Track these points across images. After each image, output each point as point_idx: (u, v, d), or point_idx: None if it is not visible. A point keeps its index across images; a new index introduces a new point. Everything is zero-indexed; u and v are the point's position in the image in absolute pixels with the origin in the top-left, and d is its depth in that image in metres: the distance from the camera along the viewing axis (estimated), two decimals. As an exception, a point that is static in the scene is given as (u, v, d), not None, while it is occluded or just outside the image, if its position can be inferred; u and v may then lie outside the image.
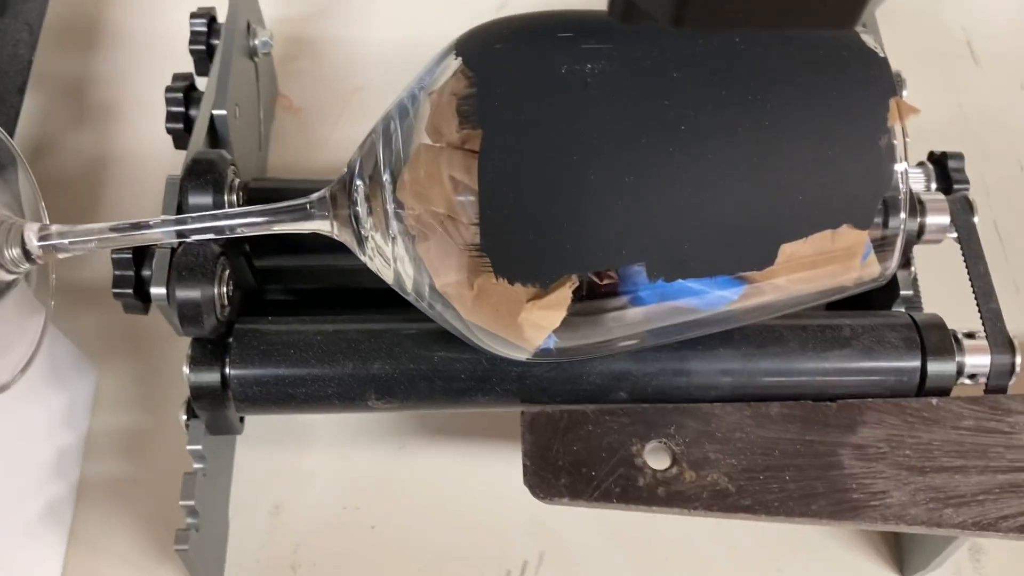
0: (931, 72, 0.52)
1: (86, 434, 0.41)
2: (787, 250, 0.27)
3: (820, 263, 0.28)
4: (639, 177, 0.26)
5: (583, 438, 0.34)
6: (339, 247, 0.32)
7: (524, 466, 0.33)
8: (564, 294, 0.28)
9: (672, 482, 0.33)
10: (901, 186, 0.27)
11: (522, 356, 0.31)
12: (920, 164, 0.40)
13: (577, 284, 0.28)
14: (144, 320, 0.42)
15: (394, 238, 0.30)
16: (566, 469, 0.33)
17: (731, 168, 0.26)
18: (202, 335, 0.33)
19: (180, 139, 0.39)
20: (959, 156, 0.41)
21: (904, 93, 0.42)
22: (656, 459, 0.34)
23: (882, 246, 0.30)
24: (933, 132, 0.50)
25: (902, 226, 0.28)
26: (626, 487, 0.33)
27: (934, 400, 0.35)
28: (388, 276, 0.31)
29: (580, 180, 0.26)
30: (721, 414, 0.34)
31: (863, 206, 0.27)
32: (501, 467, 0.41)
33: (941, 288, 0.40)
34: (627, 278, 0.28)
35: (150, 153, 0.46)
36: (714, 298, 0.29)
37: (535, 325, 0.28)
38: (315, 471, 0.40)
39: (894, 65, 0.42)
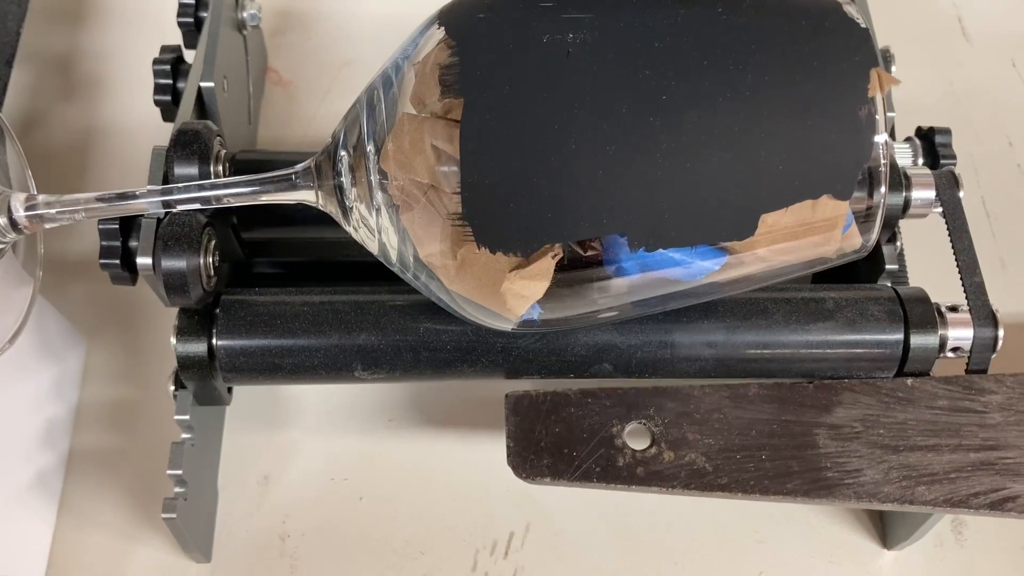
0: (921, 49, 0.52)
1: (75, 406, 0.41)
2: (768, 220, 0.27)
3: (801, 234, 0.28)
4: (620, 146, 0.26)
5: (565, 420, 0.34)
6: (326, 219, 0.32)
7: (508, 447, 0.34)
8: (546, 264, 0.28)
9: (651, 462, 0.34)
10: (882, 158, 0.27)
11: (506, 327, 0.31)
12: (907, 139, 0.40)
13: (559, 254, 0.28)
14: (132, 291, 0.43)
15: (378, 209, 0.30)
16: (548, 450, 0.34)
17: (711, 137, 0.26)
18: (188, 305, 0.33)
19: (168, 112, 0.40)
20: (946, 131, 0.41)
21: (893, 69, 0.42)
22: (636, 440, 0.34)
23: (864, 218, 0.30)
24: (923, 109, 0.50)
25: (882, 199, 0.28)
26: (606, 467, 0.34)
27: (909, 380, 0.36)
28: (373, 247, 0.31)
29: (561, 149, 0.26)
30: (700, 395, 0.35)
31: (843, 176, 0.27)
32: (488, 441, 0.41)
33: (927, 263, 0.40)
34: (609, 248, 0.29)
35: (138, 126, 0.46)
36: (696, 268, 0.29)
37: (518, 295, 0.28)
38: (304, 443, 0.41)
39: (884, 41, 0.43)
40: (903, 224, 0.39)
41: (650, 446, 0.34)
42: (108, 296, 0.43)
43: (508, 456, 0.34)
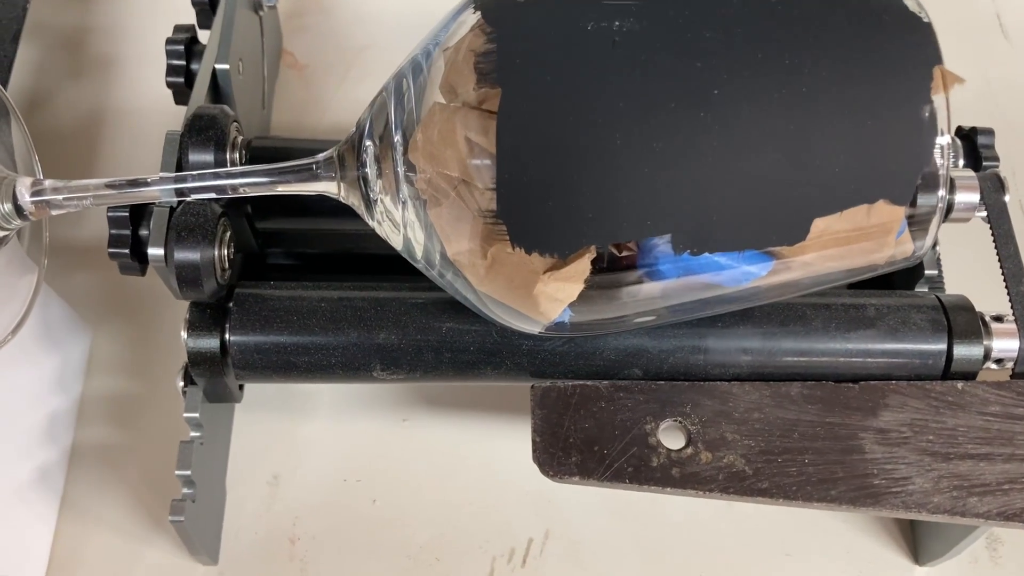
0: (958, 45, 0.50)
1: (79, 398, 0.39)
2: (820, 225, 0.26)
3: (853, 239, 0.27)
4: (667, 143, 0.25)
5: (595, 415, 0.32)
6: (345, 211, 0.31)
7: (533, 442, 0.32)
8: (583, 266, 0.27)
9: (687, 463, 0.32)
10: (940, 160, 0.26)
11: (535, 329, 0.30)
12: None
13: (596, 256, 0.27)
14: (141, 281, 0.41)
15: (404, 202, 0.28)
16: (577, 446, 0.32)
17: (764, 136, 0.25)
18: (201, 299, 0.32)
19: (181, 94, 0.38)
20: (989, 132, 0.39)
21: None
22: (671, 438, 0.32)
23: (915, 223, 0.28)
24: (959, 107, 0.47)
25: (940, 203, 0.27)
26: (639, 467, 0.32)
27: (959, 384, 0.34)
28: (397, 242, 0.29)
29: (604, 145, 0.25)
30: (739, 393, 0.33)
31: (902, 180, 0.25)
32: (506, 442, 0.39)
33: (965, 269, 0.39)
34: (649, 250, 0.27)
35: (149, 108, 0.45)
36: (740, 274, 0.27)
37: (551, 298, 0.27)
38: (315, 442, 0.39)
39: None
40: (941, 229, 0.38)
41: (686, 446, 0.32)
42: (115, 285, 0.41)
43: (534, 452, 0.32)
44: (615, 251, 0.28)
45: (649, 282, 0.28)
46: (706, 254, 0.26)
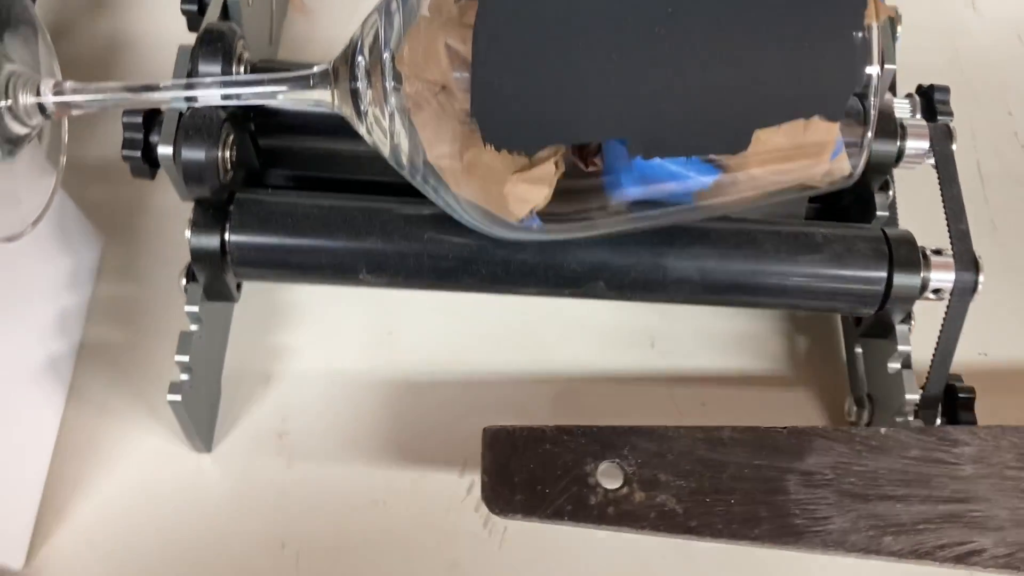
0: (930, 14, 0.53)
1: (89, 299, 0.42)
2: (761, 136, 0.29)
3: (792, 156, 0.30)
4: (624, 55, 0.28)
5: (540, 456, 0.35)
6: (342, 131, 0.33)
7: (483, 481, 0.34)
8: (548, 169, 0.30)
9: (622, 502, 0.34)
10: (874, 81, 0.28)
11: (507, 234, 0.33)
12: (908, 95, 0.41)
13: (560, 160, 0.30)
14: (150, 197, 0.44)
15: (391, 113, 0.31)
16: (521, 486, 0.34)
17: (712, 52, 0.28)
18: (204, 196, 0.35)
19: (194, 21, 0.41)
20: (945, 89, 0.42)
21: (899, 29, 0.44)
22: (609, 479, 0.35)
23: (855, 146, 0.31)
24: (927, 72, 0.50)
25: (871, 123, 0.30)
26: (577, 505, 0.34)
27: (883, 430, 0.37)
28: (385, 150, 0.32)
29: (569, 54, 0.28)
30: (675, 436, 0.36)
31: (834, 98, 0.28)
32: (483, 348, 0.42)
33: (921, 217, 0.41)
34: (609, 159, 0.30)
35: (164, 36, 0.48)
36: (690, 182, 0.30)
37: (520, 198, 0.30)
38: (306, 349, 0.42)
39: (891, 2, 0.44)
40: (897, 175, 0.41)
41: (622, 486, 0.35)
42: (126, 200, 0.44)
43: (483, 491, 0.34)
44: (580, 163, 0.31)
45: (608, 189, 0.31)
46: (658, 159, 0.29)
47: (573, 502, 0.34)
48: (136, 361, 0.41)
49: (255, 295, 0.43)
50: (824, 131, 0.29)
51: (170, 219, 0.44)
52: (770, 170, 0.30)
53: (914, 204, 0.42)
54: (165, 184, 0.37)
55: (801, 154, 0.30)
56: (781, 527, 0.34)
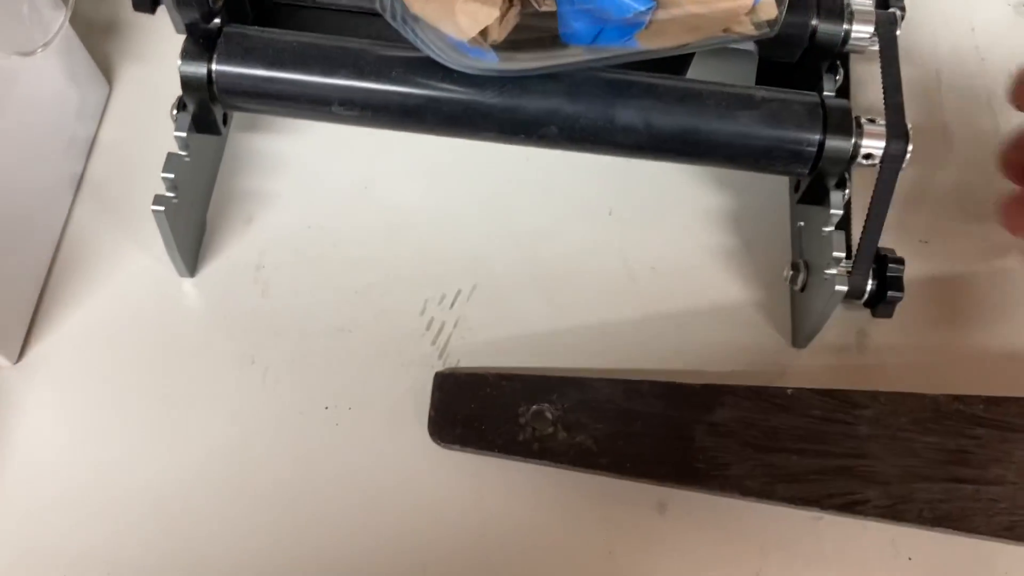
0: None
1: (93, 137, 0.46)
2: (688, -36, 0.32)
3: (719, -10, 0.33)
4: None
5: (481, 398, 0.40)
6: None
7: (430, 416, 0.40)
8: (496, -10, 0.33)
9: (546, 440, 0.39)
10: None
11: (467, 64, 0.36)
12: (865, -11, 0.44)
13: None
14: (154, 50, 0.48)
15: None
16: (462, 422, 0.40)
17: None
18: (195, 20, 0.38)
19: None
20: (899, -19, 0.45)
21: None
22: (538, 421, 0.40)
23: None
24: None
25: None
26: (508, 441, 0.39)
27: (789, 390, 0.40)
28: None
29: None
30: (599, 387, 0.40)
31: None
32: (452, 208, 0.46)
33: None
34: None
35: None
36: (628, 12, 0.33)
37: (469, 15, 0.33)
38: (287, 195, 0.46)
39: None
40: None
41: (548, 426, 0.40)
42: (134, 51, 0.48)
43: (429, 424, 0.40)
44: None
45: (556, 21, 0.34)
46: (596, -14, 0.32)
47: (504, 437, 0.39)
48: (132, 196, 0.45)
49: (243, 143, 0.46)
50: (748, -31, 0.32)
51: (173, 74, 0.47)
52: (697, 3, 0.33)
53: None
54: (168, 39, 0.40)
55: (727, -10, 0.33)
56: (684, 470, 0.39)
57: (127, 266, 0.44)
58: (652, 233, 0.46)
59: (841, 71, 0.44)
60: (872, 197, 0.41)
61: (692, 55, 0.42)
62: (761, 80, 0.47)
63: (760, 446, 0.39)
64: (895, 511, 0.38)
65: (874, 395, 0.41)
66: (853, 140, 0.39)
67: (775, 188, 0.47)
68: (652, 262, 0.46)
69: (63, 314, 0.42)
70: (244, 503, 0.39)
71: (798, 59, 0.44)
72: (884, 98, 0.41)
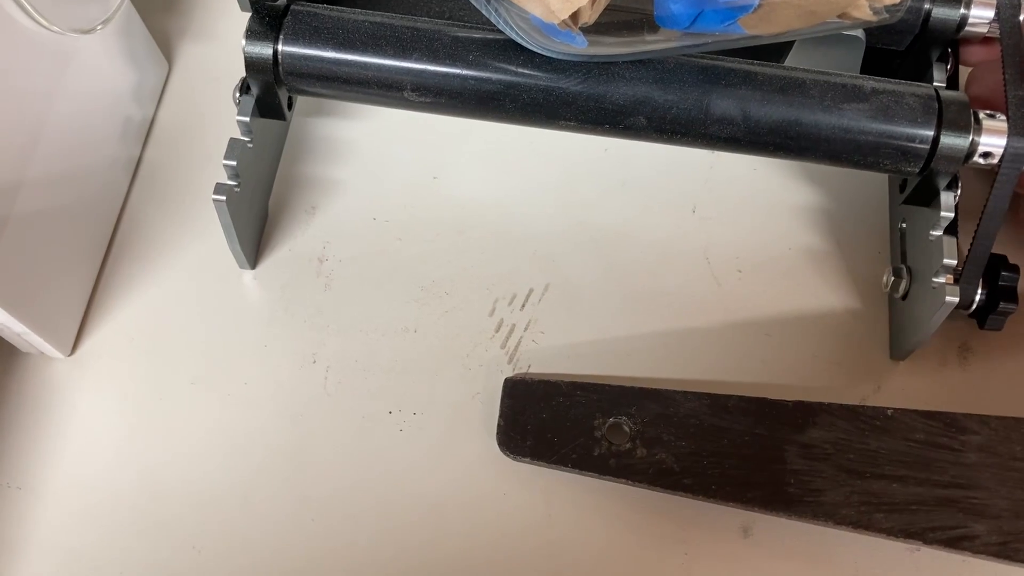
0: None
1: (151, 119, 0.44)
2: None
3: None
4: None
5: (554, 408, 0.37)
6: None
7: (499, 425, 0.37)
8: (591, -30, 0.30)
9: (624, 456, 0.36)
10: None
11: (553, 49, 0.33)
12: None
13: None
14: (216, 29, 0.46)
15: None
16: (533, 433, 0.37)
17: None
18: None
19: None
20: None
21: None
22: (614, 434, 0.37)
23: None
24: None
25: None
26: (582, 455, 0.36)
27: (889, 410, 0.37)
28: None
29: None
30: (681, 400, 0.37)
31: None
32: (524, 202, 0.43)
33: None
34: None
35: None
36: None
37: (561, -2, 0.30)
38: (353, 184, 0.43)
39: None
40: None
41: (626, 441, 0.37)
42: (194, 30, 0.46)
43: (498, 433, 0.37)
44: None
45: (650, 1, 0.31)
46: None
47: (578, 452, 0.36)
48: (191, 183, 0.43)
49: (306, 128, 0.44)
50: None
51: (236, 55, 0.45)
52: (814, -8, 0.30)
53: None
54: (231, 16, 0.38)
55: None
56: (773, 494, 0.36)
57: (184, 256, 0.41)
58: (738, 233, 0.43)
59: (952, 59, 0.40)
60: (988, 198, 0.37)
61: (793, 42, 0.39)
62: (863, 69, 0.43)
63: (857, 471, 0.36)
64: (1008, 550, 0.35)
65: (984, 419, 0.37)
66: (971, 137, 0.36)
67: (873, 185, 0.44)
68: (738, 264, 0.42)
69: (118, 306, 0.41)
70: (302, 509, 0.37)
71: (906, 46, 0.40)
72: (1005, 91, 0.37)
